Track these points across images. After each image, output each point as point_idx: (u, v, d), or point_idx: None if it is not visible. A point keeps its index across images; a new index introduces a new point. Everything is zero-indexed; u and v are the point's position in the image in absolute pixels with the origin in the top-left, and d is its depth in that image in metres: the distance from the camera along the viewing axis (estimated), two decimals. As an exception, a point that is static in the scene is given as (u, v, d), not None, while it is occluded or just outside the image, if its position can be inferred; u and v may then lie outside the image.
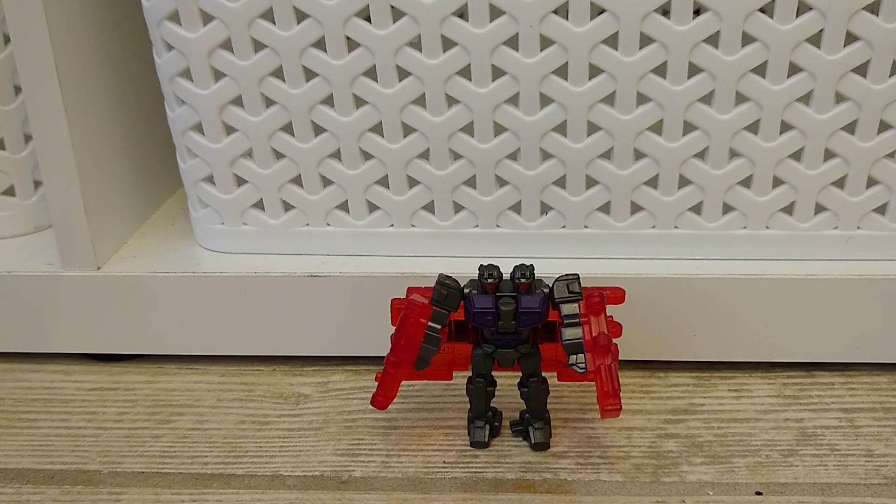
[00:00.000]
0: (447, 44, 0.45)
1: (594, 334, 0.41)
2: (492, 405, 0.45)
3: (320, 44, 0.45)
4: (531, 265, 0.42)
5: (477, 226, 0.50)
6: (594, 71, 0.45)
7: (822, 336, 0.49)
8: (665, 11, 0.43)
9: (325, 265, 0.50)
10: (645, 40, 0.44)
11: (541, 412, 0.44)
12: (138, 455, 0.45)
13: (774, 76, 0.44)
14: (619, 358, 0.43)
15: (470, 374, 0.44)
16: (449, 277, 0.42)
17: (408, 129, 0.47)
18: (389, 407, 0.44)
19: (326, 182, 0.50)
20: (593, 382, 0.40)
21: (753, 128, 0.46)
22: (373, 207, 0.50)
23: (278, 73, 0.46)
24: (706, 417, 0.47)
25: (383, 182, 0.49)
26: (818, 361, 0.50)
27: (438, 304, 0.42)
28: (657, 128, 0.46)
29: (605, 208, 0.49)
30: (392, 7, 0.44)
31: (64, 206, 0.49)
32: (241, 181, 0.50)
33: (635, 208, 0.49)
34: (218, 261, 0.52)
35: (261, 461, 0.45)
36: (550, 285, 0.42)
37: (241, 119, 0.48)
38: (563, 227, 0.50)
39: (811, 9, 0.43)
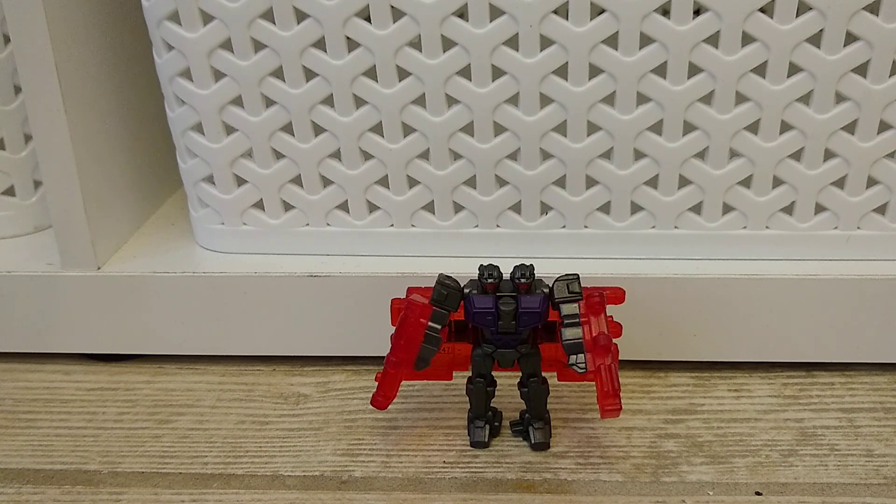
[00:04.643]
0: (447, 44, 0.45)
1: (594, 334, 0.41)
2: (492, 405, 0.45)
3: (320, 44, 0.45)
4: (531, 265, 0.42)
5: (477, 226, 0.50)
6: (594, 71, 0.45)
7: (822, 336, 0.49)
8: (665, 11, 0.43)
9: (325, 265, 0.50)
10: (645, 40, 0.44)
11: (541, 412, 0.44)
12: (138, 455, 0.45)
13: (774, 76, 0.44)
14: (619, 358, 0.43)
15: (470, 374, 0.44)
16: (449, 277, 0.42)
17: (408, 129, 0.47)
18: (389, 407, 0.44)
19: (326, 182, 0.50)
20: (593, 382, 0.40)
21: (753, 128, 0.46)
22: (373, 207, 0.50)
23: (278, 73, 0.46)
24: (706, 417, 0.47)
25: (383, 182, 0.49)
26: (818, 361, 0.50)
27: (438, 304, 0.42)
28: (657, 128, 0.46)
29: (605, 208, 0.49)
30: (392, 7, 0.44)
31: (64, 206, 0.49)
32: (241, 181, 0.50)
33: (635, 208, 0.49)
34: (218, 261, 0.52)
35: (261, 461, 0.45)
36: (550, 285, 0.42)
37: (241, 119, 0.48)
38: (563, 227, 0.50)
39: (811, 9, 0.43)
